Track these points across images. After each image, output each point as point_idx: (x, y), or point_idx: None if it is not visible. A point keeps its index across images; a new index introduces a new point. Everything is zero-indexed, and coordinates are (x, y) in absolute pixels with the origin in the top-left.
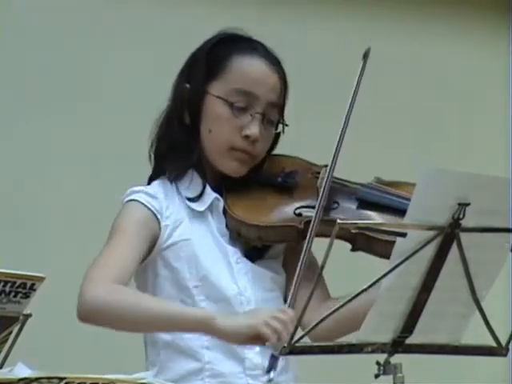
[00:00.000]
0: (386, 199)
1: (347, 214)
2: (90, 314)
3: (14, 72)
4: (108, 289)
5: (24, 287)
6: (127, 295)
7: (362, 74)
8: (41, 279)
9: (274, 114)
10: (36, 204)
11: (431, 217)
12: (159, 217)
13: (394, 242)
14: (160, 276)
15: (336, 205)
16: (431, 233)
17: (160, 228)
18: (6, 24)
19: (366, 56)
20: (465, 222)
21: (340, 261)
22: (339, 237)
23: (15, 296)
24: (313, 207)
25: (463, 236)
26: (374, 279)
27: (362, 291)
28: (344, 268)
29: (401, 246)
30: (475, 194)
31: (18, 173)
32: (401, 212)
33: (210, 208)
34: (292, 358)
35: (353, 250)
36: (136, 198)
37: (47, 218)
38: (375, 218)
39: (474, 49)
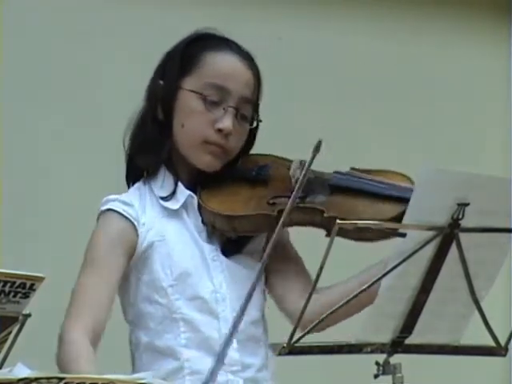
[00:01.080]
0: (358, 183)
1: (319, 200)
2: (58, 363)
3: (13, 72)
4: (70, 348)
5: (23, 287)
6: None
7: (310, 165)
8: (40, 279)
9: (247, 110)
10: (36, 204)
11: (430, 217)
12: (136, 224)
13: (367, 225)
14: (139, 279)
15: (309, 192)
16: (430, 233)
17: (137, 235)
18: (5, 24)
19: (316, 149)
20: (464, 223)
21: (337, 262)
22: (312, 224)
23: (15, 296)
24: (287, 197)
25: (462, 236)
26: (374, 279)
27: (361, 291)
28: (341, 270)
29: (400, 247)
30: (475, 194)
31: (18, 173)
32: (374, 195)
33: (185, 206)
34: (270, 356)
35: (328, 235)
36: (111, 208)
37: (47, 217)
38: (348, 202)
39: (474, 49)
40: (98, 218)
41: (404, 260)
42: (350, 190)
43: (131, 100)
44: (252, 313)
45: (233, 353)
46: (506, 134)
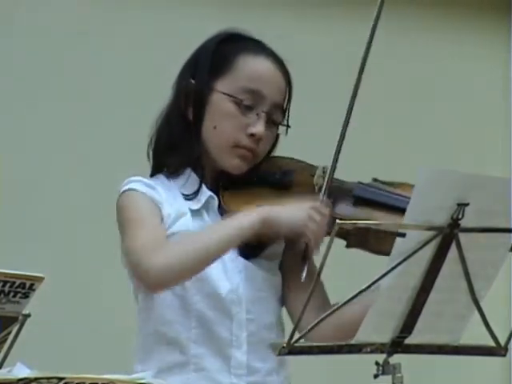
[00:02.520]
0: (383, 196)
1: (344, 211)
2: (164, 278)
3: (13, 72)
4: (164, 249)
5: (23, 287)
6: (182, 242)
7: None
8: (40, 279)
9: (277, 115)
10: (36, 204)
11: (430, 217)
12: (160, 206)
13: (389, 237)
14: None
15: (332, 201)
16: (430, 233)
17: (162, 216)
18: (6, 24)
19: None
20: (464, 223)
21: (338, 262)
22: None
23: (14, 296)
24: None
25: (462, 236)
26: (373, 279)
27: (361, 291)
28: (341, 270)
29: (400, 247)
30: (474, 194)
31: (18, 173)
32: (398, 209)
33: (206, 207)
34: (285, 359)
35: (347, 246)
36: (135, 188)
37: (47, 217)
38: (372, 214)
39: (474, 49)
40: (119, 197)
41: (404, 260)
42: (373, 202)
43: (132, 100)
44: (265, 317)
45: (240, 356)
46: (506, 133)
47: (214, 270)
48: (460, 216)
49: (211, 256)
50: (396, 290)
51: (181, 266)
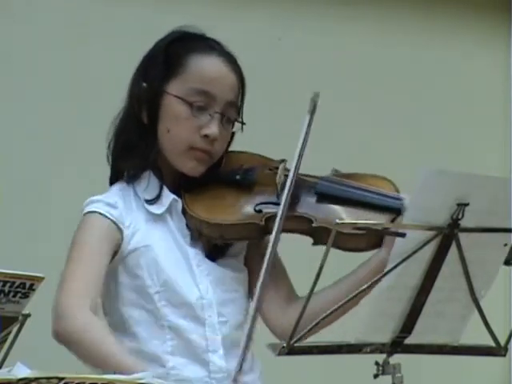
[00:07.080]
0: (345, 192)
1: (307, 208)
2: (62, 340)
3: (13, 72)
4: (83, 320)
5: (23, 287)
6: (93, 336)
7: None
8: (40, 279)
9: (232, 113)
10: (36, 204)
11: (430, 217)
12: (121, 226)
13: (356, 234)
14: (121, 283)
15: (295, 200)
16: (430, 233)
17: (122, 237)
18: (6, 24)
19: (313, 106)
20: (464, 223)
21: (335, 259)
22: (300, 231)
23: (14, 296)
24: (273, 203)
25: (462, 236)
26: (373, 279)
27: (361, 291)
28: (337, 266)
29: (400, 247)
30: (474, 194)
31: (18, 173)
32: (360, 204)
33: (169, 210)
34: (256, 357)
35: (314, 244)
36: (95, 210)
37: (47, 217)
38: (335, 211)
39: (473, 49)
40: (81, 220)
41: (404, 260)
42: (336, 198)
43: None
44: (237, 317)
45: (218, 360)
46: (505, 134)
47: (182, 278)
48: (460, 216)
49: (94, 365)
50: (396, 289)
51: (75, 350)
